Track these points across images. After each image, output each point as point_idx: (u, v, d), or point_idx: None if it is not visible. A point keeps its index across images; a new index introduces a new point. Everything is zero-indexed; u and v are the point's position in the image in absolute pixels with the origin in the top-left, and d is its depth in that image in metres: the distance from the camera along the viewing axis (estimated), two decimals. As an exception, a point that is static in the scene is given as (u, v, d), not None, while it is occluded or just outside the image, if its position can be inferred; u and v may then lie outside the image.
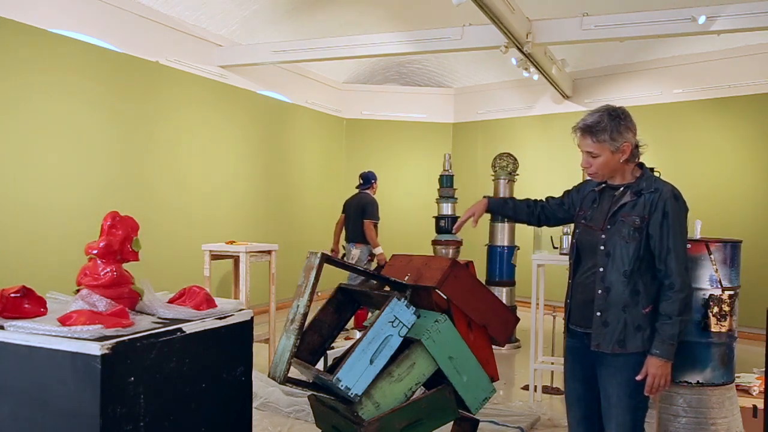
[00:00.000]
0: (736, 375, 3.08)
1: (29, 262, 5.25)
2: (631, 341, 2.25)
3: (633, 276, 2.25)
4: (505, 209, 2.80)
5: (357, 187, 6.71)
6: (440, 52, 7.47)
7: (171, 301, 2.05)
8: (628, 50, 8.02)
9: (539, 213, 2.69)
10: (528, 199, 2.75)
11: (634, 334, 2.25)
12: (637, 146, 2.34)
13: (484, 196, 2.87)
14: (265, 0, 7.37)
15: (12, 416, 1.67)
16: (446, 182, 6.90)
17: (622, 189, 2.35)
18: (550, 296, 4.90)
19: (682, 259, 2.24)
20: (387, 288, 2.77)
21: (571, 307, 2.45)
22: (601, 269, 2.31)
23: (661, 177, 2.43)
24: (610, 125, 2.26)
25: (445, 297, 2.75)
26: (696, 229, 3.14)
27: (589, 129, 2.30)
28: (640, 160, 2.41)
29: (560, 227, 4.96)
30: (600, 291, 2.30)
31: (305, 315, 2.45)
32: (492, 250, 6.76)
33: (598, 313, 2.30)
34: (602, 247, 2.32)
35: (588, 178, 2.50)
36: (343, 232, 6.72)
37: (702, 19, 5.61)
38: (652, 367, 2.22)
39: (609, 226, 2.32)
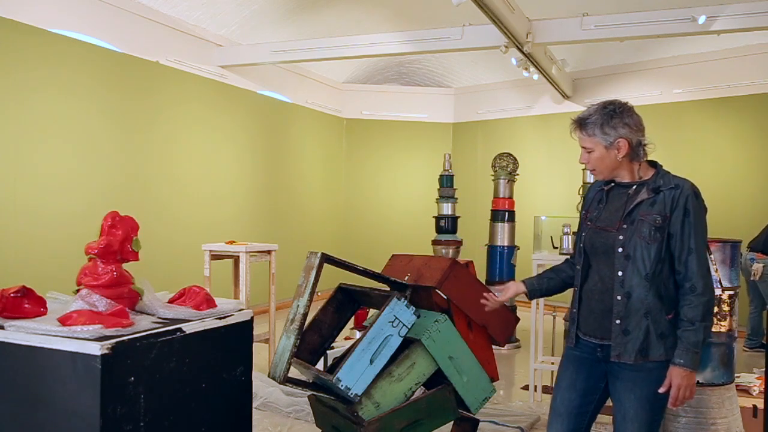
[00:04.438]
0: (736, 375, 3.08)
1: (29, 262, 5.25)
2: (654, 350, 2.11)
3: (655, 279, 2.10)
4: (549, 285, 2.49)
5: None
6: (440, 52, 7.47)
7: (171, 301, 2.06)
8: (628, 50, 8.01)
9: None
10: (564, 264, 2.49)
11: (657, 343, 2.10)
12: (640, 144, 2.18)
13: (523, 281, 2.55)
14: (265, 0, 7.37)
15: (12, 416, 1.67)
16: (446, 182, 6.89)
17: (635, 187, 2.19)
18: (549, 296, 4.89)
19: (703, 261, 2.11)
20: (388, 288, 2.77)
21: (584, 316, 2.26)
22: (620, 273, 2.14)
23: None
24: (601, 119, 2.16)
25: (445, 297, 2.75)
26: (696, 229, 3.13)
27: (579, 123, 2.21)
28: (652, 159, 2.26)
29: (560, 226, 4.97)
30: (619, 297, 2.14)
31: (305, 315, 2.45)
32: (492, 250, 6.76)
33: (618, 321, 2.13)
34: (620, 249, 2.15)
35: (591, 181, 2.42)
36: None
37: (702, 19, 5.61)
38: (677, 378, 2.07)
39: (625, 226, 2.15)
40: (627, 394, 2.16)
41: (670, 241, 2.12)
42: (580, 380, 2.29)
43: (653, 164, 2.26)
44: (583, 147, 2.23)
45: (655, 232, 2.11)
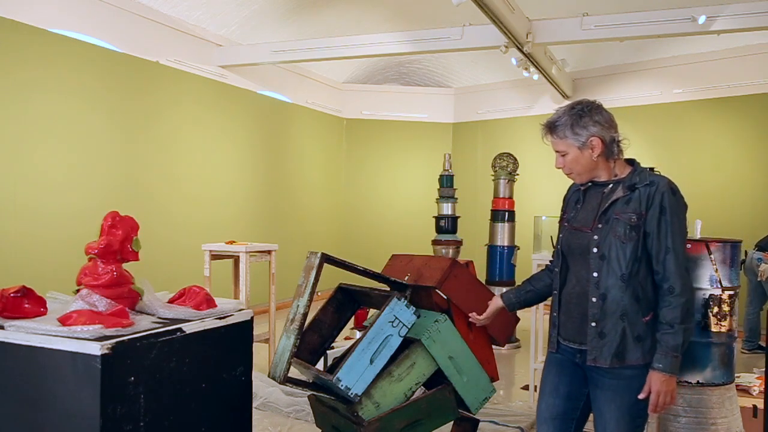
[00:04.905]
0: (736, 375, 3.08)
1: (29, 262, 5.25)
2: (631, 353, 2.04)
3: (631, 280, 2.04)
4: (527, 297, 2.47)
5: None
6: (440, 52, 7.47)
7: (171, 301, 2.05)
8: (628, 50, 8.02)
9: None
10: (542, 272, 2.45)
11: (633, 346, 2.04)
12: (613, 141, 2.13)
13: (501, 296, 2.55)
14: (265, 0, 7.37)
15: (12, 416, 1.67)
16: (446, 182, 6.90)
17: (611, 185, 2.14)
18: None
19: (681, 260, 2.03)
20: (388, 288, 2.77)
21: (563, 321, 2.21)
22: (596, 274, 2.08)
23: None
24: (570, 120, 2.11)
25: (445, 297, 2.75)
26: (696, 229, 3.14)
27: (549, 126, 2.17)
28: (629, 157, 2.21)
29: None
30: (594, 299, 2.08)
31: (305, 315, 2.44)
32: (492, 250, 6.76)
33: (593, 324, 2.07)
34: (595, 250, 2.09)
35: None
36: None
37: (702, 19, 5.61)
38: (656, 383, 2.00)
39: (600, 225, 2.09)
40: (608, 404, 2.09)
41: (647, 240, 2.05)
42: (562, 384, 2.23)
43: (631, 162, 2.20)
44: (556, 151, 2.18)
45: (630, 231, 2.05)
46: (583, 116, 2.11)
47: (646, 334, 2.05)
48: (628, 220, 2.06)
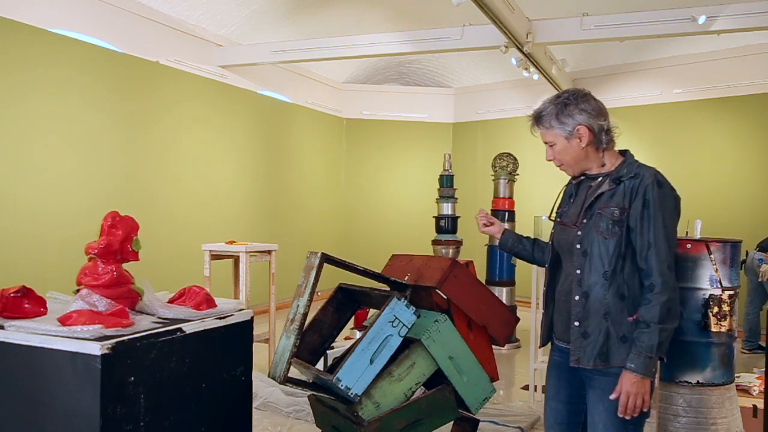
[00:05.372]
0: (736, 375, 3.08)
1: (29, 262, 5.25)
2: (616, 354, 1.96)
3: (615, 277, 1.96)
4: (519, 250, 2.49)
5: None
6: (440, 52, 7.48)
7: (171, 301, 2.05)
8: (628, 50, 8.02)
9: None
10: (546, 244, 2.41)
11: (618, 346, 1.95)
12: (602, 130, 2.05)
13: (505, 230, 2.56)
14: (265, 0, 7.37)
15: (12, 416, 1.67)
16: (446, 182, 6.90)
17: (600, 179, 2.07)
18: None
19: (664, 256, 1.92)
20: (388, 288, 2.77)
21: (555, 319, 2.16)
22: (579, 271, 2.01)
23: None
24: (555, 109, 2.06)
25: (445, 297, 2.75)
26: (696, 229, 3.13)
27: (536, 117, 2.12)
28: (621, 148, 2.15)
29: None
30: (578, 297, 2.01)
31: (305, 315, 2.44)
32: (492, 250, 6.76)
33: (576, 323, 2.00)
34: (578, 246, 2.03)
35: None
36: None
37: (702, 19, 5.61)
38: (626, 384, 1.91)
39: (585, 221, 2.03)
40: (597, 404, 2.01)
41: (631, 235, 1.97)
42: (562, 389, 2.18)
43: (623, 153, 2.13)
44: (545, 142, 2.13)
45: (612, 226, 1.97)
46: (568, 105, 2.06)
47: (631, 334, 1.96)
48: (610, 215, 1.98)
